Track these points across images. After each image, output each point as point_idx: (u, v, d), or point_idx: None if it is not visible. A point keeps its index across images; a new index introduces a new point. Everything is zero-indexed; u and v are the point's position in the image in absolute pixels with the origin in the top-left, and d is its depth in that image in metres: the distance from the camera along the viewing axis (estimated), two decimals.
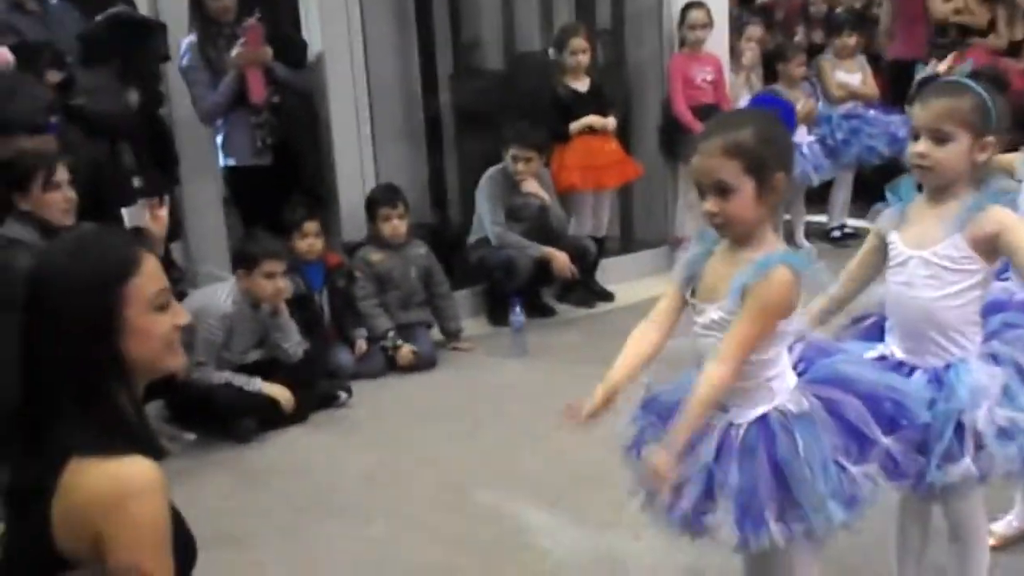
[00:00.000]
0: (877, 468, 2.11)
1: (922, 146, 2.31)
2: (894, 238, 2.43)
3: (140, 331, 1.70)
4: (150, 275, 1.73)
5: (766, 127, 2.10)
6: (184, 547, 1.78)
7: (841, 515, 2.06)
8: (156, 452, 1.72)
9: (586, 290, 5.73)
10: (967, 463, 2.26)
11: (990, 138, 2.29)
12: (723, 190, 2.07)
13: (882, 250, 2.48)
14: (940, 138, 2.29)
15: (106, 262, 1.70)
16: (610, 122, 5.79)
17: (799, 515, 2.06)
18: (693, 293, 2.23)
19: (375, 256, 4.99)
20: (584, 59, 5.68)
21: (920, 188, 2.45)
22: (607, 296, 5.78)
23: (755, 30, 6.44)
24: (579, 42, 5.66)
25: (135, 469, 1.63)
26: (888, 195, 2.50)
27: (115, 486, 1.60)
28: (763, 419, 2.12)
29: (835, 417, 2.10)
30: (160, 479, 1.64)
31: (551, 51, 5.76)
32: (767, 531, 2.06)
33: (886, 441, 2.11)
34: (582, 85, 5.75)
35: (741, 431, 2.12)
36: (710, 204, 2.10)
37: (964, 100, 2.29)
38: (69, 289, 1.67)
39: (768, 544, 2.08)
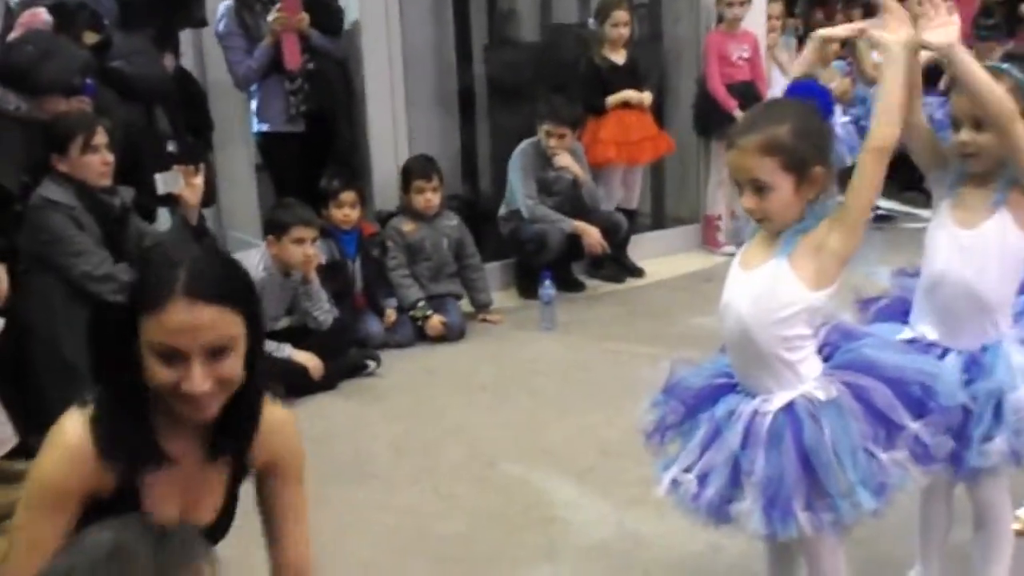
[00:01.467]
0: (907, 454, 2.09)
1: (965, 134, 2.30)
2: (944, 211, 2.39)
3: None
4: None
5: (803, 121, 2.08)
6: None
7: (870, 502, 2.05)
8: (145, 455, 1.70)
9: (617, 265, 5.72)
10: (1002, 443, 2.25)
11: None
12: (760, 188, 2.06)
13: (933, 145, 2.42)
14: (980, 124, 2.27)
15: None
16: (646, 96, 5.77)
17: (828, 504, 2.06)
18: (741, 260, 2.22)
19: (407, 227, 5.00)
20: (624, 32, 5.67)
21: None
22: (638, 272, 5.77)
23: (774, 7, 6.38)
24: (621, 14, 5.64)
25: (64, 425, 1.67)
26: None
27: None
28: (790, 406, 2.11)
29: (862, 403, 2.08)
30: (75, 447, 1.65)
31: (591, 22, 5.72)
32: (795, 521, 2.06)
33: (914, 426, 2.09)
34: (619, 58, 5.73)
35: (768, 419, 2.11)
36: (747, 200, 2.10)
37: (1001, 85, 2.25)
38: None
39: (796, 534, 2.08)
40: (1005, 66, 2.37)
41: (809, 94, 2.17)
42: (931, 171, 2.44)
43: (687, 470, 2.21)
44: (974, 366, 2.32)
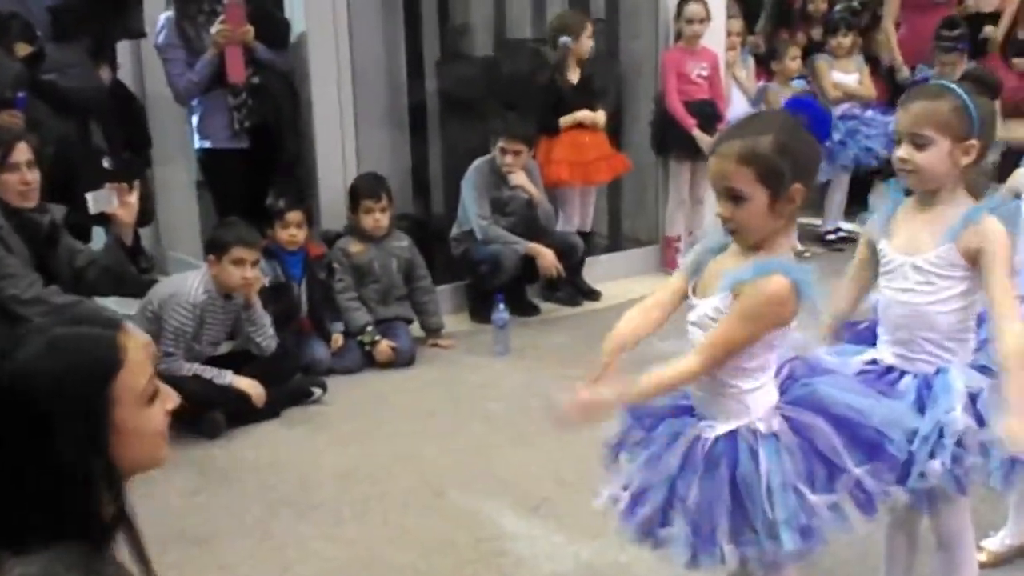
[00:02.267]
0: (846, 497, 2.10)
1: (903, 151, 2.36)
2: (884, 245, 2.46)
3: (133, 432, 1.50)
4: (136, 364, 1.52)
5: (787, 135, 2.08)
6: None
7: (793, 544, 2.05)
8: None
9: (572, 288, 5.74)
10: (938, 465, 2.27)
11: (973, 142, 2.32)
12: (735, 197, 2.08)
13: (874, 260, 2.51)
14: (919, 143, 2.33)
15: (86, 362, 1.48)
16: (600, 117, 5.80)
17: (752, 539, 2.07)
18: (694, 289, 2.23)
19: (355, 248, 4.98)
20: (586, 49, 5.71)
21: (908, 192, 2.47)
22: (594, 295, 5.79)
23: (734, 24, 6.44)
24: (590, 29, 5.70)
25: None
26: (871, 202, 2.53)
27: None
28: (732, 435, 2.12)
29: (804, 441, 2.09)
30: None
31: (564, 40, 5.65)
32: (718, 551, 2.08)
33: (857, 471, 2.10)
34: (574, 76, 5.76)
35: (707, 445, 2.13)
36: (722, 209, 2.12)
37: (942, 103, 2.33)
38: (49, 402, 1.44)
39: (720, 563, 2.10)
40: (952, 84, 2.42)
41: (805, 111, 2.19)
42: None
43: (626, 487, 2.23)
44: (926, 390, 2.35)
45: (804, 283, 2.07)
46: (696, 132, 5.86)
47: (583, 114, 5.72)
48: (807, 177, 2.11)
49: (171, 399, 1.61)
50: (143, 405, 1.53)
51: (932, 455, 2.28)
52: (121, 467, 1.50)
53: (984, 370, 2.36)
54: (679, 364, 2.08)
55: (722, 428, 2.13)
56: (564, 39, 5.68)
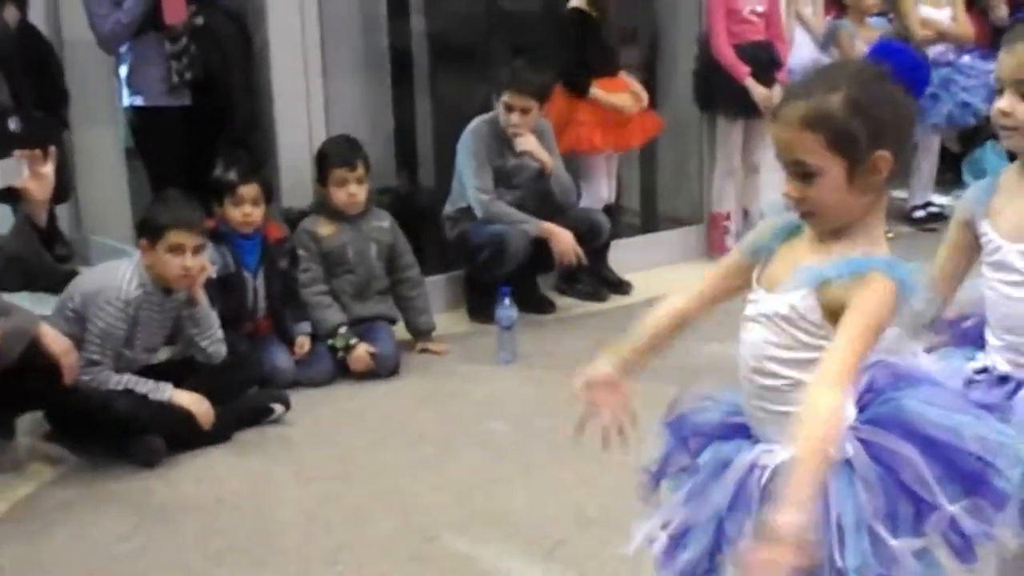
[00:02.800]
0: (937, 541, 2.09)
1: (1006, 103, 2.36)
2: (986, 228, 2.45)
3: None
4: None
5: (864, 90, 2.05)
6: None
7: None
8: None
9: (596, 279, 5.76)
10: None
11: None
12: (805, 173, 2.07)
13: (972, 245, 2.50)
14: None
15: None
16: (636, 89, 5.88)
17: None
18: (759, 278, 2.23)
19: (324, 229, 5.00)
20: None
21: (1012, 157, 2.47)
22: (623, 287, 5.81)
23: None
24: None
25: None
26: (966, 172, 2.53)
27: None
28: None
29: (886, 471, 2.08)
30: None
31: None
32: None
33: (952, 508, 2.07)
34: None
35: (765, 475, 2.12)
36: (790, 187, 2.08)
37: None
38: None
39: None
40: None
41: (893, 59, 2.16)
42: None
43: (664, 526, 2.23)
44: None
45: (909, 285, 2.06)
46: (749, 82, 5.88)
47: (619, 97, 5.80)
48: (896, 142, 2.07)
49: None
50: None
51: None
52: None
53: None
54: (819, 411, 1.97)
55: (784, 454, 2.13)
56: None
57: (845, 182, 2.05)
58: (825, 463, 1.97)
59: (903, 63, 2.14)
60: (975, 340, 2.52)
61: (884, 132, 2.06)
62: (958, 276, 2.55)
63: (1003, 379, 2.42)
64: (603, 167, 5.96)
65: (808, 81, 2.17)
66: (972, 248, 2.51)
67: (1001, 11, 6.80)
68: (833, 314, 2.07)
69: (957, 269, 2.55)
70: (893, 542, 2.05)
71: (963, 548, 2.11)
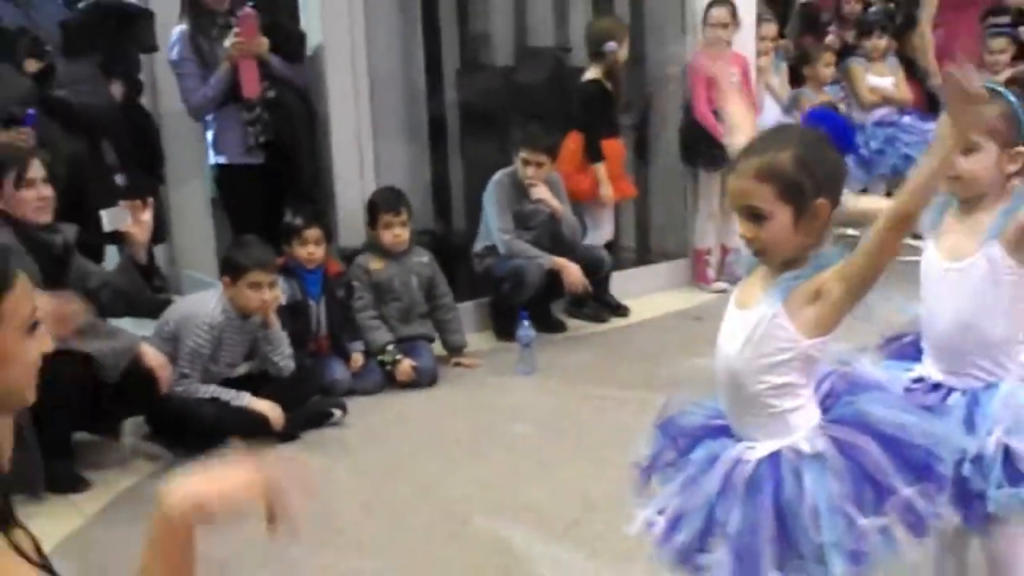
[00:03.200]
0: (896, 521, 2.07)
1: None
2: (930, 244, 2.43)
3: (13, 356, 1.56)
4: (24, 293, 1.58)
5: (807, 149, 2.07)
6: None
7: (842, 569, 2.03)
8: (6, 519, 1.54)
9: (599, 304, 5.74)
10: (1013, 493, 2.25)
11: (1021, 149, 2.30)
12: (757, 216, 2.07)
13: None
14: (967, 148, 2.29)
15: None
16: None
17: (799, 565, 2.05)
18: (735, 298, 2.23)
19: (374, 264, 5.00)
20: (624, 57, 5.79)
21: None
22: (622, 311, 5.79)
23: (768, 28, 6.40)
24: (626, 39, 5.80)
25: None
26: None
27: None
28: (774, 457, 2.10)
29: (851, 462, 2.07)
30: None
31: (608, 46, 5.73)
32: None
33: (906, 492, 2.07)
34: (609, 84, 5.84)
35: (749, 467, 2.11)
36: (743, 229, 2.10)
37: (990, 107, 2.26)
38: None
39: None
40: (1000, 88, 2.39)
41: (827, 123, 2.17)
42: None
43: (661, 512, 2.22)
44: (976, 407, 2.33)
45: None
46: (727, 140, 5.84)
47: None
48: (832, 191, 2.08)
49: (48, 343, 1.64)
50: (24, 333, 1.58)
51: (985, 477, 2.26)
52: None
53: None
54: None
55: (764, 449, 2.11)
56: (610, 44, 5.72)
57: (791, 225, 2.06)
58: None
59: (834, 126, 2.15)
60: (910, 355, 2.50)
61: (824, 184, 2.07)
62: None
63: (936, 386, 2.40)
64: (605, 211, 5.96)
65: (761, 140, 2.17)
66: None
67: (936, 79, 6.76)
68: (802, 311, 2.06)
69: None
70: (861, 521, 2.05)
71: (916, 525, 2.10)
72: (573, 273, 5.37)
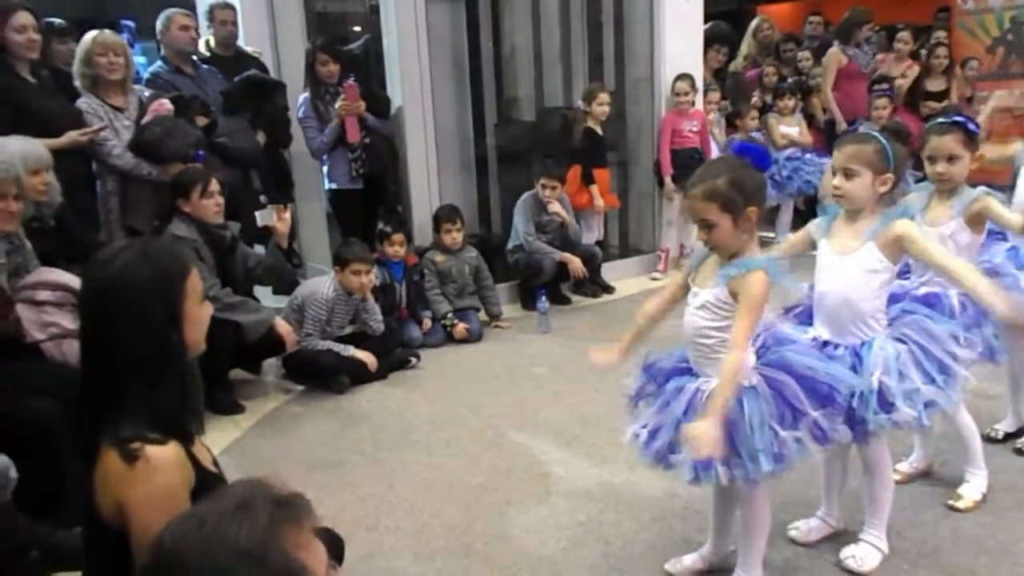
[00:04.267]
0: (807, 434, 2.07)
1: (837, 180, 2.33)
2: (823, 245, 2.41)
3: (195, 319, 1.59)
4: (196, 275, 1.60)
5: (736, 173, 2.08)
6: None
7: (769, 466, 2.03)
8: (190, 436, 1.56)
9: (594, 284, 5.71)
10: (906, 411, 2.22)
11: (888, 175, 2.28)
12: (707, 225, 2.07)
13: (804, 245, 2.51)
14: (849, 174, 2.29)
15: (169, 265, 1.57)
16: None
17: (738, 462, 2.05)
18: (694, 280, 2.22)
19: (439, 258, 4.99)
20: (607, 109, 5.71)
21: None
22: (610, 289, 5.75)
23: (714, 95, 6.40)
24: (604, 96, 5.70)
25: (160, 452, 1.47)
26: (819, 212, 2.50)
27: (145, 467, 1.45)
28: None
29: (775, 392, 2.07)
30: (175, 460, 1.48)
31: (580, 103, 5.71)
32: (714, 471, 2.06)
33: (815, 414, 2.07)
34: (599, 130, 5.76)
35: (705, 395, 2.11)
36: (700, 234, 2.12)
37: (868, 146, 2.29)
38: (147, 290, 1.52)
39: (714, 481, 2.08)
40: (875, 133, 2.37)
41: (748, 152, 2.17)
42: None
43: (644, 426, 2.22)
44: (856, 358, 2.30)
45: (777, 274, 2.07)
46: (667, 179, 5.90)
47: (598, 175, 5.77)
48: (757, 201, 2.09)
49: (210, 308, 1.66)
50: (200, 302, 1.61)
51: (867, 407, 2.23)
52: (188, 348, 1.58)
53: (897, 340, 2.31)
54: (731, 364, 1.99)
55: (716, 383, 2.11)
56: (580, 103, 5.71)
57: (732, 228, 2.06)
58: (732, 392, 1.99)
59: (754, 153, 2.16)
60: (804, 321, 2.48)
61: (751, 196, 2.08)
62: (795, 248, 2.54)
63: (825, 343, 2.37)
64: (597, 218, 5.91)
65: (704, 171, 2.16)
66: (803, 246, 2.50)
67: (842, 125, 6.69)
68: (736, 295, 2.06)
69: (796, 247, 2.53)
70: (783, 433, 2.04)
71: (821, 438, 2.11)
72: (576, 264, 5.34)
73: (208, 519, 1.00)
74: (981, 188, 2.64)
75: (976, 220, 2.62)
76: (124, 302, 1.50)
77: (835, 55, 6.82)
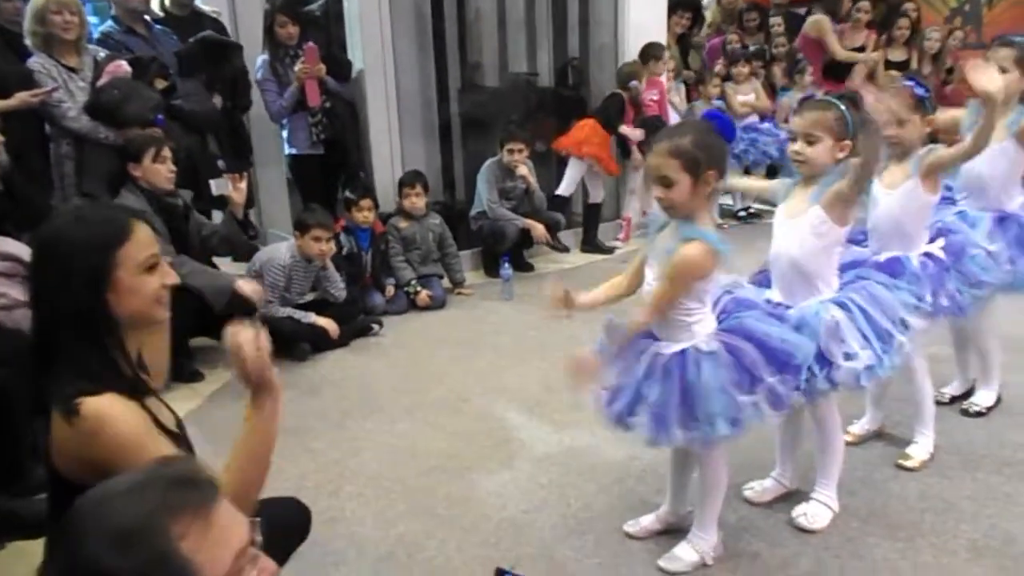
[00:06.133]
0: (763, 399, 2.11)
1: (797, 145, 2.34)
2: (779, 209, 2.44)
3: (130, 288, 1.53)
4: (140, 242, 1.55)
5: (702, 136, 2.08)
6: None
7: (725, 430, 2.08)
8: (135, 389, 1.54)
9: (557, 245, 5.78)
10: (826, 378, 2.27)
11: (847, 142, 2.31)
12: (666, 183, 2.08)
13: (767, 193, 2.61)
14: (810, 140, 2.30)
15: (103, 230, 1.53)
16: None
17: (696, 425, 2.09)
18: (651, 251, 2.24)
19: (402, 224, 4.97)
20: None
21: None
22: (567, 250, 5.83)
23: (671, 63, 6.42)
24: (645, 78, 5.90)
25: (98, 403, 1.45)
26: (783, 176, 2.53)
27: (86, 422, 1.44)
28: (682, 352, 2.13)
29: (734, 357, 2.10)
30: (118, 407, 1.46)
31: (632, 84, 5.82)
32: (672, 434, 2.10)
33: (771, 380, 2.11)
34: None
35: (665, 359, 2.14)
36: (657, 191, 2.11)
37: (829, 112, 2.31)
38: (73, 252, 1.49)
39: (672, 442, 2.12)
40: (835, 100, 2.38)
41: (716, 119, 2.18)
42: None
43: (605, 388, 2.25)
44: (802, 319, 2.34)
45: (716, 243, 2.08)
46: (634, 148, 5.94)
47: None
48: (718, 165, 2.09)
49: (171, 277, 1.61)
50: (141, 272, 1.54)
51: (813, 368, 2.27)
52: (124, 318, 1.53)
53: (842, 304, 2.33)
54: (635, 319, 2.14)
55: (675, 347, 2.14)
56: (634, 82, 5.81)
57: (690, 188, 2.06)
58: (624, 341, 2.16)
59: (721, 122, 2.16)
60: (764, 284, 2.52)
61: (713, 159, 2.08)
62: (751, 192, 2.61)
63: (779, 304, 2.40)
64: (600, 180, 5.97)
65: (669, 130, 2.18)
66: (760, 191, 2.64)
67: (778, 81, 6.79)
68: None
69: (748, 190, 2.60)
70: (740, 397, 2.08)
71: (777, 402, 2.14)
72: (539, 230, 5.36)
73: (107, 492, 0.96)
74: (930, 145, 2.69)
75: (931, 177, 2.64)
76: (51, 261, 1.50)
77: (824, 21, 6.87)
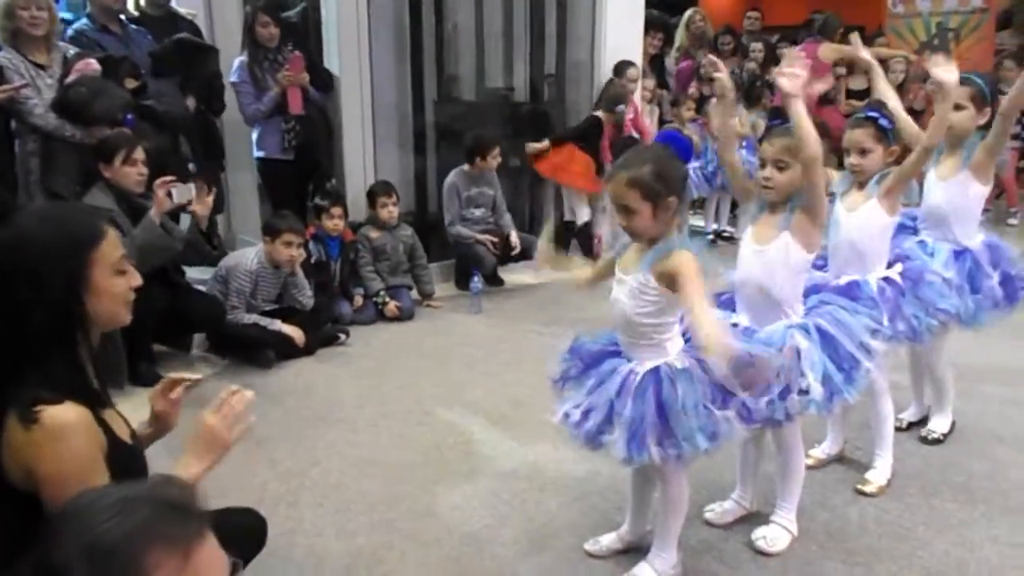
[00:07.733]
0: (735, 414, 2.12)
1: (767, 172, 2.37)
2: (747, 233, 2.47)
3: (104, 290, 1.53)
4: (112, 244, 1.55)
5: (660, 164, 2.09)
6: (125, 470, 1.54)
7: (705, 444, 2.08)
8: (96, 400, 1.53)
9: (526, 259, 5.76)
10: (791, 400, 2.28)
11: None
12: (628, 211, 2.10)
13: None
14: (780, 166, 2.34)
15: (76, 231, 1.52)
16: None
17: (673, 442, 2.09)
18: (620, 264, 2.25)
19: (373, 234, 4.95)
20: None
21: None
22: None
23: (648, 82, 6.49)
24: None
25: (59, 414, 1.43)
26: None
27: (44, 431, 1.42)
28: (655, 370, 2.14)
29: (707, 374, 2.11)
30: (78, 422, 1.44)
31: (618, 108, 5.85)
32: (647, 451, 2.09)
33: (742, 396, 2.12)
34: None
35: (638, 377, 2.14)
36: (619, 219, 2.14)
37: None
38: (45, 254, 1.46)
39: (647, 460, 2.12)
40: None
41: (673, 141, 2.20)
42: (742, 203, 2.51)
43: (576, 407, 2.23)
44: (770, 341, 2.35)
45: (697, 252, 2.10)
46: (608, 166, 5.96)
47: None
48: (678, 191, 2.11)
49: (136, 279, 1.60)
50: (114, 274, 1.54)
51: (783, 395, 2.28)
52: (95, 318, 1.53)
53: (804, 330, 2.34)
54: (706, 328, 1.92)
55: (648, 365, 2.15)
56: (621, 106, 5.86)
57: (651, 216, 2.09)
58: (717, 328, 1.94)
59: (678, 144, 2.18)
60: (729, 307, 2.53)
61: (672, 186, 2.10)
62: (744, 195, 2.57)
63: (746, 329, 2.42)
64: (583, 199, 6.04)
65: (628, 159, 2.18)
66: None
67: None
68: (662, 278, 2.09)
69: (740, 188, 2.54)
70: (717, 413, 2.09)
71: (748, 418, 2.16)
72: (486, 241, 5.30)
73: (99, 498, 0.95)
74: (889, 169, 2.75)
75: (890, 196, 2.69)
76: (21, 265, 1.45)
77: (836, 46, 7.02)
